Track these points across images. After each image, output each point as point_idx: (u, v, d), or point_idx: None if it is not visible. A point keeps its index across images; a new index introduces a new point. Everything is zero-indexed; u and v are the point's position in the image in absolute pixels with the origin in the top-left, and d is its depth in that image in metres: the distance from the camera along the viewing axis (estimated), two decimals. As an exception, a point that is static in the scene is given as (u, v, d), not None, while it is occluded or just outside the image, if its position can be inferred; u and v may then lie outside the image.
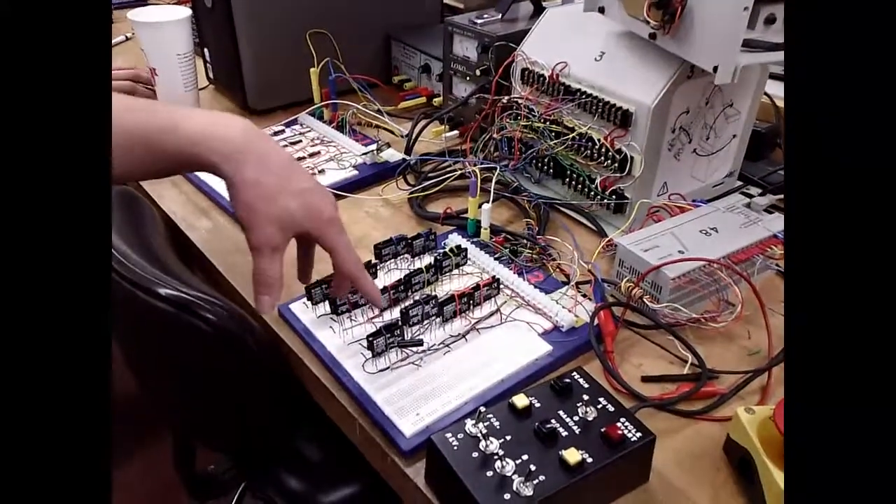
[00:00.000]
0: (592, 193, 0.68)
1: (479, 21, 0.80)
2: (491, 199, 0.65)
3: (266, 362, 0.55)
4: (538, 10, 0.84)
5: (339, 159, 0.79)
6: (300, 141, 0.83)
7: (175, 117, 0.47)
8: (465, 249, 0.61)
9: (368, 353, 0.51)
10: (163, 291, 0.51)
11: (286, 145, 0.82)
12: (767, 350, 0.54)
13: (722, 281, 0.56)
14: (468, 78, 0.83)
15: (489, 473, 0.40)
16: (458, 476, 0.39)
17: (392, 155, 0.79)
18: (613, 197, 0.66)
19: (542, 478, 0.39)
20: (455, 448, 0.41)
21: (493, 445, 0.41)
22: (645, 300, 0.55)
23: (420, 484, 0.44)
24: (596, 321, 0.54)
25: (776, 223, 0.61)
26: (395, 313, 0.54)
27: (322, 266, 0.64)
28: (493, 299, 0.57)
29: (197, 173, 0.77)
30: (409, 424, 0.46)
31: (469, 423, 0.42)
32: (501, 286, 0.58)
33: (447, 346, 0.53)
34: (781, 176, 0.76)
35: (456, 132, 0.83)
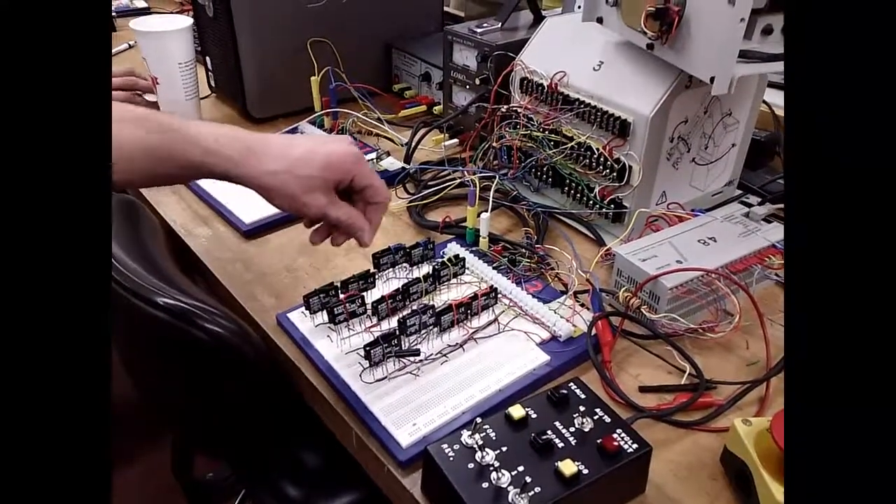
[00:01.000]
0: (591, 202, 0.68)
1: (478, 30, 0.80)
2: (490, 208, 0.66)
3: (264, 371, 0.55)
4: (538, 19, 0.84)
5: (338, 168, 0.79)
6: (300, 149, 0.83)
7: (186, 129, 0.49)
8: (463, 259, 0.61)
9: (366, 363, 0.51)
10: (161, 300, 0.52)
11: (286, 153, 0.82)
12: (766, 360, 0.54)
13: (720, 291, 0.56)
14: (468, 87, 0.83)
15: (485, 485, 0.39)
16: (454, 487, 0.39)
17: (392, 163, 0.79)
18: (612, 206, 0.67)
19: (537, 489, 0.39)
20: (451, 459, 0.41)
21: (489, 456, 0.41)
22: (643, 310, 0.55)
23: (416, 494, 0.44)
24: (594, 331, 0.54)
25: (774, 233, 0.61)
26: (392, 323, 0.54)
27: (322, 274, 0.64)
28: (490, 309, 0.57)
29: (198, 181, 0.77)
30: (405, 435, 0.46)
31: (465, 433, 0.42)
32: (499, 296, 0.58)
33: (444, 355, 0.53)
34: (781, 184, 0.76)
35: (455, 140, 0.84)
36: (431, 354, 0.53)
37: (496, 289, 0.57)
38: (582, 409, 0.44)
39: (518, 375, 0.51)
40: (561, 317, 0.56)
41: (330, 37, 0.91)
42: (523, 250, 0.64)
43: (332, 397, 0.51)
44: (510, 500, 0.38)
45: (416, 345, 0.53)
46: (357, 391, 0.50)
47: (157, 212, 0.74)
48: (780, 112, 0.82)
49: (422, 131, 0.81)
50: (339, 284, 0.57)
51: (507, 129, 0.73)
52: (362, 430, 0.49)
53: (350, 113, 0.85)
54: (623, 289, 0.58)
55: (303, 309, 0.57)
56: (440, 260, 0.60)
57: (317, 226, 0.56)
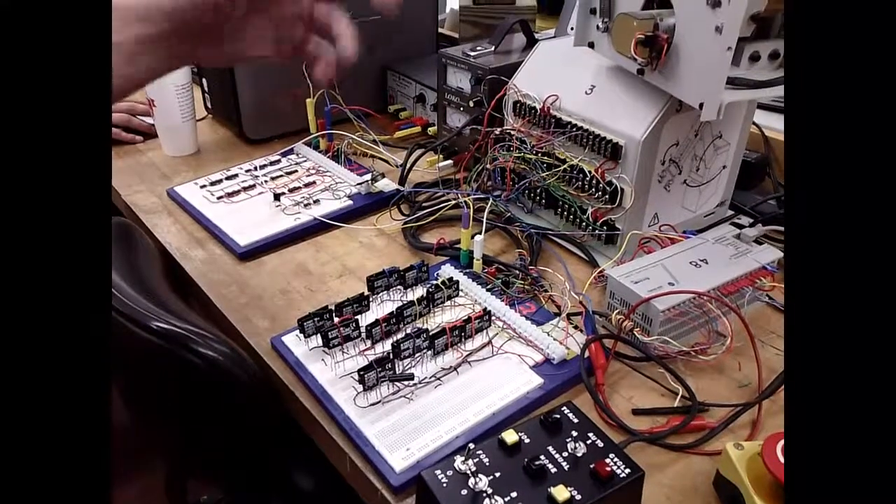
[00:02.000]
0: (584, 224, 0.69)
1: (472, 53, 0.81)
2: (483, 229, 0.66)
3: (258, 395, 0.55)
4: (531, 42, 0.85)
5: (334, 189, 0.80)
6: (296, 171, 0.84)
7: None
8: (457, 282, 0.61)
9: (360, 387, 0.51)
10: (155, 325, 0.52)
11: (282, 175, 0.83)
12: (757, 382, 0.54)
13: (711, 313, 0.57)
14: (462, 109, 0.84)
15: None
16: None
17: (387, 185, 0.80)
18: (605, 228, 0.67)
19: None
20: (444, 485, 0.41)
21: (483, 482, 0.41)
22: (635, 332, 0.56)
23: (410, 520, 0.44)
24: (587, 354, 0.55)
25: (765, 255, 0.61)
26: (386, 346, 0.54)
27: (316, 296, 0.64)
28: (484, 331, 0.57)
29: (192, 203, 0.78)
30: (399, 459, 0.47)
31: (458, 459, 0.43)
32: (493, 318, 0.58)
33: (439, 379, 0.53)
34: (772, 205, 0.77)
35: (450, 162, 0.84)
36: (425, 378, 0.53)
37: (490, 311, 0.57)
38: (575, 433, 0.44)
39: (512, 399, 0.52)
40: (554, 339, 0.56)
41: (325, 59, 0.92)
42: (517, 272, 0.65)
43: (326, 421, 0.51)
44: None
45: (410, 368, 0.53)
46: (351, 415, 0.50)
47: (153, 234, 0.75)
48: (770, 134, 0.83)
49: (416, 153, 0.82)
50: (333, 308, 0.57)
51: (500, 151, 0.74)
52: (356, 455, 0.49)
53: (345, 134, 0.86)
54: (616, 311, 0.58)
55: (297, 332, 0.57)
56: (434, 282, 0.60)
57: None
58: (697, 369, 0.56)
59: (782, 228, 0.70)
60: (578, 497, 0.40)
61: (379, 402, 0.51)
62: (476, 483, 0.41)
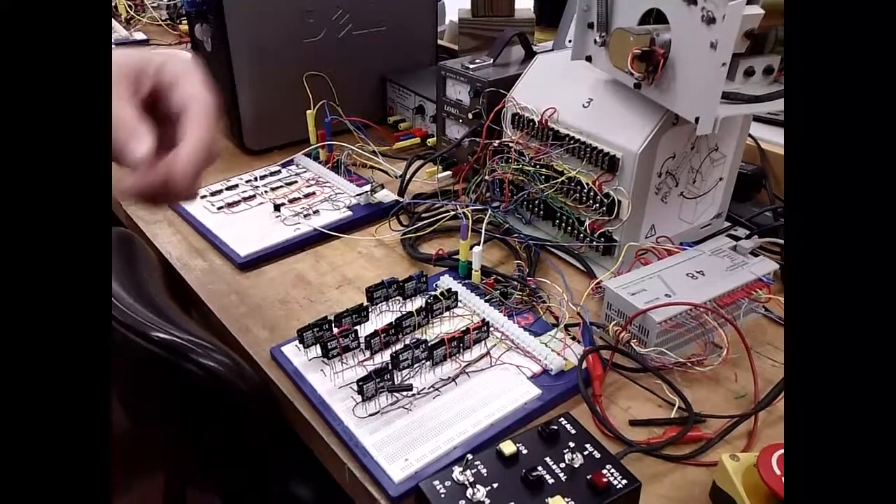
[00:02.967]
0: (582, 235, 0.69)
1: (471, 66, 0.82)
2: (482, 241, 0.67)
3: (258, 405, 0.55)
4: (529, 55, 0.86)
5: (333, 200, 0.80)
6: (296, 182, 0.85)
7: None
8: (456, 293, 0.62)
9: (359, 397, 0.51)
10: (155, 335, 0.52)
11: (282, 186, 0.84)
12: (754, 393, 0.55)
13: (708, 325, 0.57)
14: (461, 120, 0.84)
15: None
16: None
17: (386, 196, 0.81)
18: (602, 239, 0.68)
19: None
20: (442, 496, 0.41)
21: (480, 493, 0.41)
22: (632, 344, 0.56)
23: (408, 530, 0.45)
24: (584, 365, 0.55)
25: (761, 266, 0.62)
26: (385, 356, 0.55)
27: (316, 307, 0.65)
28: (483, 342, 0.57)
29: (192, 214, 0.78)
30: (398, 470, 0.47)
31: (457, 470, 0.43)
32: (491, 329, 0.59)
33: (437, 389, 0.53)
34: (768, 216, 0.77)
35: (449, 173, 0.85)
36: (424, 388, 0.53)
37: (488, 322, 0.58)
38: (572, 444, 0.45)
39: (510, 409, 0.52)
40: (552, 350, 0.57)
41: (326, 70, 0.93)
42: (515, 283, 0.65)
43: (325, 431, 0.52)
44: None
45: (408, 379, 0.53)
46: (350, 426, 0.50)
47: (153, 244, 0.75)
48: (766, 146, 0.84)
49: (416, 164, 0.82)
50: (332, 318, 0.57)
51: (499, 162, 0.74)
52: (355, 465, 0.49)
53: (345, 146, 0.86)
54: (613, 322, 0.59)
55: (297, 342, 0.57)
56: (433, 293, 0.61)
57: None
58: (694, 380, 0.57)
59: (778, 240, 0.71)
60: None
61: (378, 412, 0.51)
62: (474, 494, 0.41)
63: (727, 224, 0.77)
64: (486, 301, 0.62)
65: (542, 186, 0.70)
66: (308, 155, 0.89)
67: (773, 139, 0.86)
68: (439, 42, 1.15)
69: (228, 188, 0.83)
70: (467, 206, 0.69)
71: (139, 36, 1.44)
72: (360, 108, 0.95)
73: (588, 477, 0.42)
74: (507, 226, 0.74)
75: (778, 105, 0.56)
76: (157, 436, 0.68)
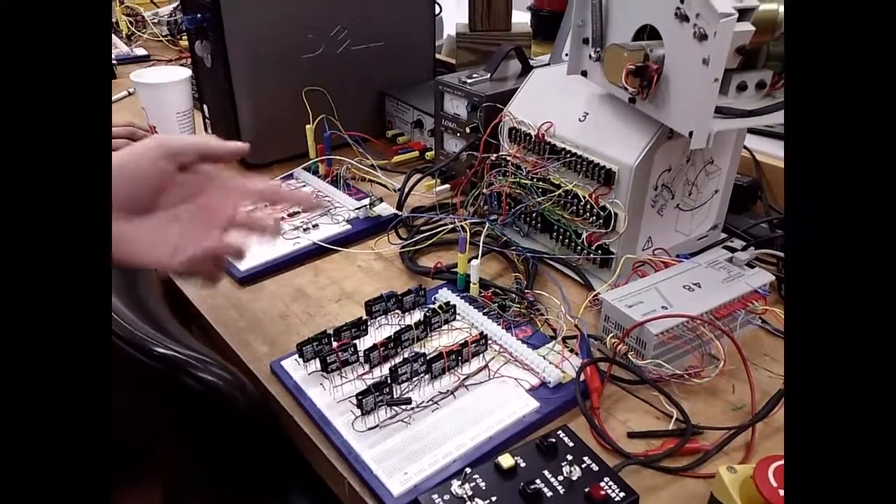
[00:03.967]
0: (579, 248, 0.70)
1: (468, 80, 0.83)
2: (480, 254, 0.67)
3: (258, 419, 0.55)
4: (526, 69, 0.87)
5: (333, 214, 0.81)
6: (295, 195, 0.85)
7: None
8: (454, 306, 0.62)
9: (358, 411, 0.51)
10: (156, 350, 0.52)
11: (281, 200, 0.84)
12: (751, 405, 0.55)
13: (704, 336, 0.58)
14: (459, 134, 0.85)
15: None
16: None
17: (385, 209, 0.81)
18: (599, 252, 0.68)
19: None
20: None
21: None
22: (630, 356, 0.57)
23: (407, 544, 0.45)
24: (582, 377, 0.55)
25: (757, 278, 0.62)
26: (384, 370, 0.55)
27: (315, 320, 0.65)
28: (481, 355, 0.58)
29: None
30: (397, 484, 0.47)
31: (455, 483, 0.43)
32: (489, 342, 0.59)
33: (436, 402, 0.54)
34: (764, 228, 0.78)
35: (447, 186, 0.86)
36: (423, 402, 0.53)
37: (486, 335, 0.58)
38: (570, 457, 0.45)
39: (508, 423, 0.52)
40: (550, 363, 0.57)
41: (325, 85, 0.94)
42: (513, 295, 0.66)
43: (325, 445, 0.52)
44: None
45: (407, 392, 0.54)
46: (349, 439, 0.51)
47: (154, 258, 0.76)
48: (762, 158, 0.85)
49: (414, 178, 0.83)
50: (331, 332, 0.58)
51: (496, 176, 0.75)
52: (354, 479, 0.49)
53: (344, 160, 0.87)
54: (610, 335, 0.59)
55: (296, 356, 0.57)
56: (431, 307, 0.61)
57: None
58: (691, 392, 0.57)
59: (774, 252, 0.71)
60: None
61: (377, 425, 0.51)
62: None
63: (724, 235, 0.78)
64: (484, 314, 0.63)
65: (539, 199, 0.71)
66: (307, 169, 0.90)
67: (768, 151, 0.87)
68: (437, 56, 1.16)
69: (228, 203, 0.84)
70: (465, 220, 0.69)
71: (140, 52, 1.46)
72: (359, 122, 0.96)
73: (586, 490, 0.42)
74: (505, 238, 0.75)
75: (771, 119, 0.57)
76: (156, 449, 0.68)
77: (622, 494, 0.42)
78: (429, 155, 0.96)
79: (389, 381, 0.52)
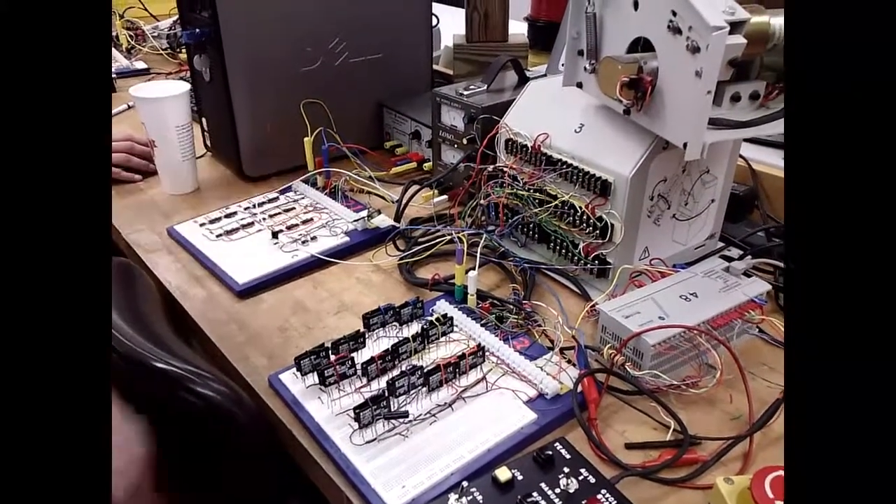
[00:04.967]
0: (576, 258, 0.70)
1: (465, 92, 0.84)
2: (477, 265, 0.67)
3: (256, 434, 0.55)
4: (522, 80, 0.88)
5: (331, 226, 0.81)
6: (294, 208, 0.86)
7: None
8: (451, 318, 0.62)
9: (356, 424, 0.52)
10: (155, 365, 0.53)
11: (280, 213, 0.85)
12: (748, 415, 0.55)
13: (701, 347, 0.58)
14: (456, 146, 0.86)
15: None
16: None
17: (383, 221, 0.82)
18: (596, 262, 0.68)
19: None
20: None
21: None
22: (627, 367, 0.57)
23: (406, 559, 0.45)
24: (580, 388, 0.55)
25: (754, 287, 0.63)
26: (382, 383, 0.55)
27: (314, 333, 0.65)
28: (478, 367, 0.58)
29: (192, 241, 0.79)
30: (395, 498, 0.47)
31: (452, 497, 0.43)
32: (487, 353, 0.59)
33: (433, 415, 0.54)
34: (761, 237, 0.78)
35: (445, 197, 0.86)
36: (420, 415, 0.54)
37: (484, 347, 0.58)
38: (567, 469, 0.45)
39: (506, 435, 0.52)
40: (548, 374, 0.57)
41: (322, 97, 0.95)
42: (511, 306, 0.66)
43: (323, 459, 0.52)
44: None
45: (405, 405, 0.54)
46: (347, 453, 0.51)
47: (153, 273, 0.76)
48: (758, 167, 0.85)
49: (412, 189, 0.83)
50: (329, 345, 0.58)
51: (493, 187, 0.75)
52: (353, 493, 0.49)
53: (342, 172, 0.88)
54: (608, 345, 0.59)
55: (294, 370, 0.58)
56: (429, 319, 0.62)
57: None
58: (689, 402, 0.57)
59: (772, 261, 0.71)
60: None
61: (374, 439, 0.52)
62: None
63: (721, 244, 0.78)
64: (481, 325, 0.63)
65: (536, 210, 0.71)
66: (306, 181, 0.90)
67: (764, 160, 0.87)
68: (435, 67, 1.17)
69: (227, 216, 0.84)
70: (462, 231, 0.69)
71: (140, 65, 1.47)
72: (357, 134, 0.96)
73: (583, 503, 0.42)
74: (503, 249, 0.75)
75: (765, 130, 0.57)
76: (155, 462, 0.68)
77: None
78: (427, 166, 0.96)
79: (387, 395, 0.52)
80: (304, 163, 0.92)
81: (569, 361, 0.60)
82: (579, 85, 0.69)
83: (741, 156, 0.80)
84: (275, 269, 0.74)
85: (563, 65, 0.86)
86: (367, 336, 0.61)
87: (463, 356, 0.56)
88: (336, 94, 0.96)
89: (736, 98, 0.57)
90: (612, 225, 0.66)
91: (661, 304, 0.60)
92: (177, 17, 1.46)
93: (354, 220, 0.81)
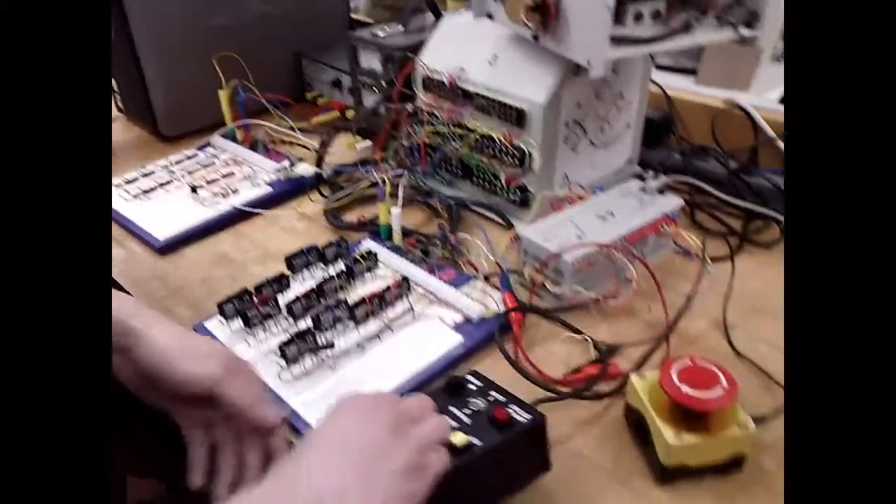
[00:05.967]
0: (499, 190, 0.71)
1: (381, 34, 0.82)
2: (400, 202, 0.67)
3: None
4: (438, 19, 0.87)
5: (252, 178, 0.80)
6: (213, 163, 0.84)
7: None
8: (375, 254, 0.63)
9: (283, 362, 0.52)
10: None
11: (199, 169, 0.83)
12: (665, 321, 0.57)
13: (619, 262, 0.60)
14: (376, 90, 0.85)
15: None
16: None
17: (306, 170, 0.80)
18: (518, 192, 0.69)
19: None
20: None
21: None
22: (547, 285, 0.58)
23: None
24: (503, 309, 0.57)
25: (668, 203, 0.65)
26: (308, 322, 0.55)
27: (238, 283, 0.64)
28: (405, 298, 0.58)
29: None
30: (325, 426, 0.48)
31: None
32: (413, 285, 0.60)
33: (361, 347, 0.54)
34: (677, 159, 0.80)
35: (368, 143, 0.85)
36: (348, 347, 0.54)
37: (407, 278, 0.59)
38: (477, 393, 0.44)
39: (434, 359, 0.53)
40: (473, 300, 0.58)
41: (237, 50, 0.91)
42: (436, 241, 0.66)
43: (254, 399, 0.52)
44: None
45: (332, 340, 0.54)
46: (277, 390, 0.51)
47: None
48: (672, 92, 0.87)
49: (332, 135, 0.82)
50: (252, 289, 0.57)
51: (414, 127, 0.75)
52: (287, 428, 0.49)
53: (262, 123, 0.86)
54: (529, 268, 0.60)
55: (219, 317, 0.57)
56: (353, 256, 0.62)
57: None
58: (610, 315, 0.59)
59: (686, 178, 0.74)
60: (478, 442, 0.39)
61: (303, 374, 0.52)
62: None
63: (639, 169, 0.80)
64: (408, 260, 0.64)
65: (456, 145, 0.71)
66: (224, 136, 0.88)
67: (678, 85, 0.89)
68: (355, 16, 1.14)
69: (144, 175, 0.82)
70: (385, 170, 0.69)
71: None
72: (277, 86, 0.93)
73: (491, 414, 0.41)
74: (428, 188, 0.75)
75: (667, 46, 0.58)
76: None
77: (528, 416, 0.41)
78: (350, 114, 0.95)
79: (313, 329, 0.52)
80: (221, 120, 0.89)
81: (495, 287, 0.61)
82: (489, 16, 0.69)
83: (655, 82, 0.81)
84: (195, 223, 0.72)
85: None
86: (291, 279, 0.60)
87: (388, 288, 0.57)
88: (251, 46, 0.93)
89: (638, 16, 0.58)
90: (530, 153, 0.67)
91: (579, 224, 0.62)
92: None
93: (277, 170, 0.79)
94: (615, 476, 0.46)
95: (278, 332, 0.56)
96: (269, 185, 0.78)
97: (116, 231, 0.74)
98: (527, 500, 0.43)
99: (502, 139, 0.68)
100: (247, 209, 0.74)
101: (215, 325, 0.58)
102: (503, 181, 0.70)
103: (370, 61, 0.84)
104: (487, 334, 0.56)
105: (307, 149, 0.86)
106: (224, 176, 0.80)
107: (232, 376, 0.43)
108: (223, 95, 0.86)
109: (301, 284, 0.61)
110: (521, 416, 0.41)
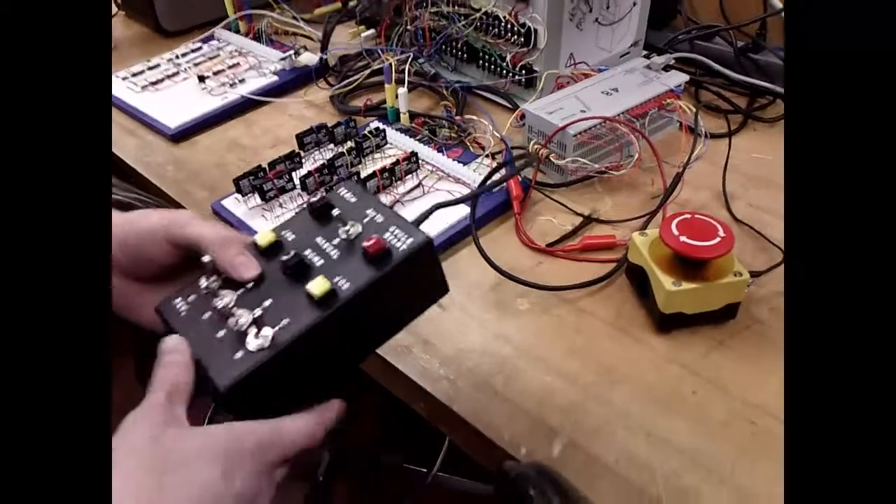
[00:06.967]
0: (504, 71, 0.71)
1: (381, -86, 0.80)
2: (406, 83, 0.68)
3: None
4: None
5: (258, 68, 0.80)
6: (218, 55, 0.84)
7: None
8: (384, 131, 0.64)
9: (300, 233, 0.54)
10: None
11: (204, 60, 0.83)
12: (663, 191, 0.59)
13: (625, 136, 0.61)
14: (378, -25, 0.83)
15: (221, 333, 0.33)
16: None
17: (311, 59, 0.80)
18: (524, 72, 0.70)
19: (285, 322, 0.32)
20: (182, 314, 0.35)
21: (228, 299, 0.34)
22: (552, 158, 0.60)
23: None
24: (504, 185, 0.58)
25: (672, 79, 0.65)
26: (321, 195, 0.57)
27: (251, 166, 0.66)
28: (414, 174, 0.60)
29: (117, 96, 0.77)
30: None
31: (202, 280, 0.36)
32: (421, 161, 0.61)
33: (374, 219, 0.56)
34: (684, 42, 0.80)
35: (372, 31, 0.84)
36: (361, 219, 0.56)
37: (417, 153, 0.60)
38: (350, 215, 0.37)
39: (442, 228, 0.55)
40: (479, 175, 0.60)
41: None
42: (443, 122, 0.67)
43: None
44: (247, 343, 0.32)
45: (345, 212, 0.56)
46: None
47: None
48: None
49: (335, 22, 0.81)
50: (266, 166, 0.59)
51: (417, 10, 0.74)
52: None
53: (265, 13, 0.85)
54: (533, 142, 0.62)
55: (235, 194, 0.59)
56: (363, 133, 0.63)
57: None
58: (613, 188, 0.61)
59: (689, 55, 0.74)
60: (345, 286, 0.33)
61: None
62: (218, 303, 0.34)
63: (645, 52, 0.80)
64: (416, 140, 0.65)
65: (460, 25, 0.71)
66: (227, 28, 0.87)
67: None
68: None
69: (150, 68, 0.82)
70: (390, 53, 0.69)
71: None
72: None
73: (364, 246, 0.34)
74: (433, 73, 0.75)
75: None
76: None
77: (409, 241, 0.34)
78: (352, 3, 0.93)
79: (326, 201, 0.54)
80: (223, 14, 0.88)
81: (500, 164, 0.62)
82: None
83: (664, -40, 0.79)
84: (206, 111, 0.73)
85: None
86: (302, 156, 0.62)
87: (397, 162, 0.58)
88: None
89: None
90: (536, 30, 0.66)
91: (584, 99, 0.62)
92: None
93: (281, 59, 0.79)
94: (616, 325, 0.49)
95: (293, 207, 0.58)
96: (275, 74, 0.79)
97: (127, 122, 0.75)
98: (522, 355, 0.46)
99: (507, 16, 0.67)
100: (255, 97, 0.75)
101: (231, 202, 0.60)
102: (509, 62, 0.70)
103: (371, -55, 0.82)
104: (492, 206, 0.58)
105: (311, 39, 0.85)
106: (230, 66, 0.80)
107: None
108: (224, -15, 0.85)
109: (313, 163, 0.63)
110: (402, 241, 0.34)
